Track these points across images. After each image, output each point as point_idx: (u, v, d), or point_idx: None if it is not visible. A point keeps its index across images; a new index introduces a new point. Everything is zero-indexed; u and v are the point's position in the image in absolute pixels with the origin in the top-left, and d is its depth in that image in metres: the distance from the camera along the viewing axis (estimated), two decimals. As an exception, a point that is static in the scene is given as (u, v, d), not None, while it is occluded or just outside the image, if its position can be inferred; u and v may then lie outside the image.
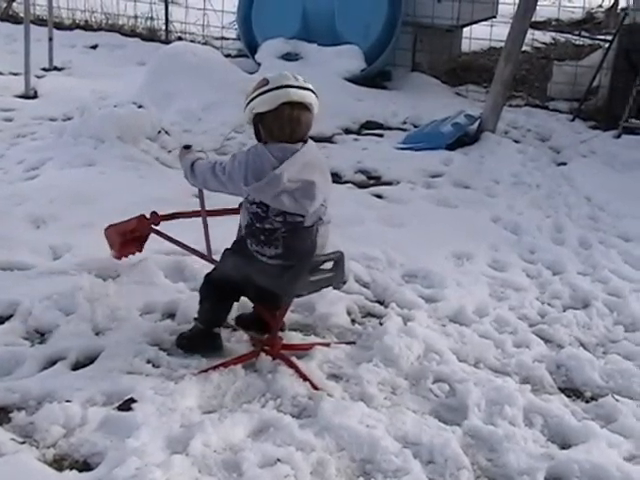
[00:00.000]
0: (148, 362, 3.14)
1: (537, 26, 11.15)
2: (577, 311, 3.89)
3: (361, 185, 5.53)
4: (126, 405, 2.83)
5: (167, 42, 9.17)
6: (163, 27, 10.17)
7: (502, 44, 6.89)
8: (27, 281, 3.74)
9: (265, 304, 3.26)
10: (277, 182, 2.90)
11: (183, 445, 2.63)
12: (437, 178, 5.70)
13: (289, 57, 8.06)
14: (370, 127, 6.96)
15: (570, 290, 4.12)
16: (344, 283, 3.82)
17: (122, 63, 8.82)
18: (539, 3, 6.87)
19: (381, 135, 6.76)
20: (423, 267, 4.19)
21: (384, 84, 8.30)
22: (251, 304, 3.39)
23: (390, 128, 6.96)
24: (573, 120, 7.39)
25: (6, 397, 2.87)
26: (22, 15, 7.89)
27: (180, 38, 9.86)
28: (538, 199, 5.41)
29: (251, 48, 8.45)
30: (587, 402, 3.17)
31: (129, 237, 3.82)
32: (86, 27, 10.36)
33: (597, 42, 10.58)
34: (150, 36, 10.10)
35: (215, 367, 3.10)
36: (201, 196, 3.50)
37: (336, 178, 5.60)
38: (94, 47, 9.62)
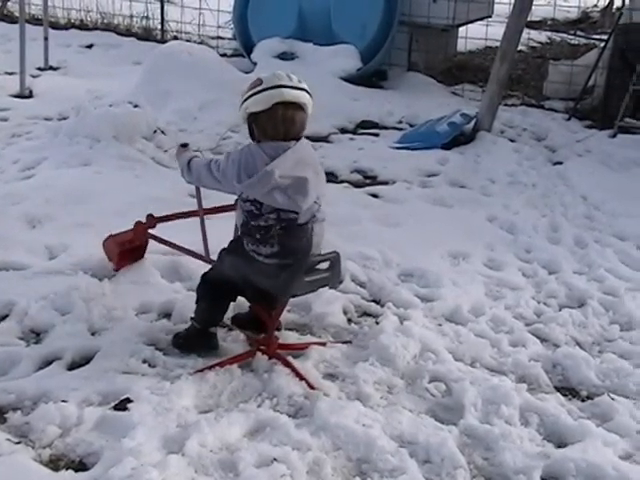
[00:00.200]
0: (144, 362, 3.13)
1: (533, 25, 11.18)
2: (573, 310, 3.90)
3: (357, 185, 5.53)
4: (122, 405, 2.83)
5: (163, 41, 9.16)
6: (159, 26, 10.17)
7: (498, 43, 6.91)
8: (23, 281, 3.74)
9: (261, 304, 3.26)
10: (268, 178, 2.90)
11: (179, 445, 2.63)
12: (433, 177, 5.71)
13: (285, 56, 8.06)
14: (366, 126, 6.96)
15: (566, 289, 4.12)
16: (340, 283, 3.82)
17: (118, 62, 8.81)
18: (535, 3, 6.88)
19: (377, 134, 6.76)
20: (419, 266, 4.20)
21: (380, 83, 8.31)
22: (247, 304, 3.39)
23: (386, 127, 6.97)
24: (569, 119, 7.40)
25: (1, 397, 2.86)
26: (17, 14, 7.87)
27: (176, 37, 9.86)
28: (534, 198, 5.42)
29: (247, 47, 8.45)
30: (583, 401, 3.18)
31: (128, 247, 3.82)
32: (81, 26, 10.35)
33: (593, 41, 10.63)
34: (146, 35, 10.10)
35: (211, 367, 3.10)
36: (198, 196, 3.50)
37: (332, 178, 5.61)
38: (89, 46, 9.62)
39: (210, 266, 3.36)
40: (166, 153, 5.51)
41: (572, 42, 11.30)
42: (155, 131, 5.73)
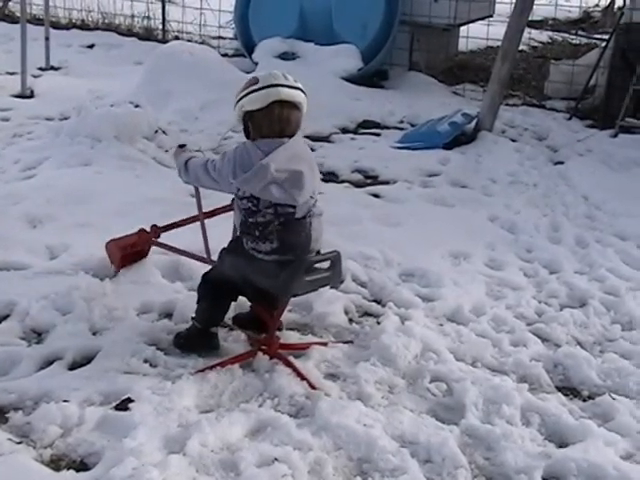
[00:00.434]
0: (145, 362, 3.13)
1: (534, 25, 11.17)
2: (574, 310, 3.89)
3: (358, 184, 5.53)
4: (123, 405, 2.83)
5: (164, 41, 9.17)
6: (160, 26, 10.17)
7: (499, 43, 6.91)
8: (24, 281, 3.74)
9: (263, 303, 3.26)
10: (264, 172, 2.91)
11: (180, 445, 2.63)
12: (434, 177, 5.70)
13: (286, 56, 8.06)
14: (367, 126, 6.96)
15: (567, 289, 4.12)
16: (341, 282, 3.82)
17: (119, 62, 8.81)
18: (536, 2, 6.88)
19: (378, 134, 6.76)
20: (420, 266, 4.20)
21: (381, 83, 8.31)
22: (248, 303, 3.39)
23: (387, 127, 6.97)
24: (570, 119, 7.40)
25: (3, 397, 2.86)
26: (18, 14, 7.88)
27: (177, 37, 9.87)
28: (535, 198, 5.42)
29: (248, 47, 8.45)
30: (584, 401, 3.18)
31: (130, 251, 3.82)
32: (83, 26, 10.36)
33: (594, 41, 10.62)
34: (147, 35, 10.10)
35: (212, 367, 3.10)
36: (198, 197, 3.51)
37: (333, 177, 5.62)
38: (91, 46, 9.62)
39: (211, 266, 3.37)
40: (167, 153, 5.51)
41: (573, 42, 11.30)
42: (156, 131, 5.73)
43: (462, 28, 9.32)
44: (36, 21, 9.44)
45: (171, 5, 10.70)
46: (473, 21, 9.00)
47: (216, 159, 3.16)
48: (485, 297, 3.98)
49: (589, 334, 3.70)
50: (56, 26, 9.71)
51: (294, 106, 3.02)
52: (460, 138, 6.44)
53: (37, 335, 3.34)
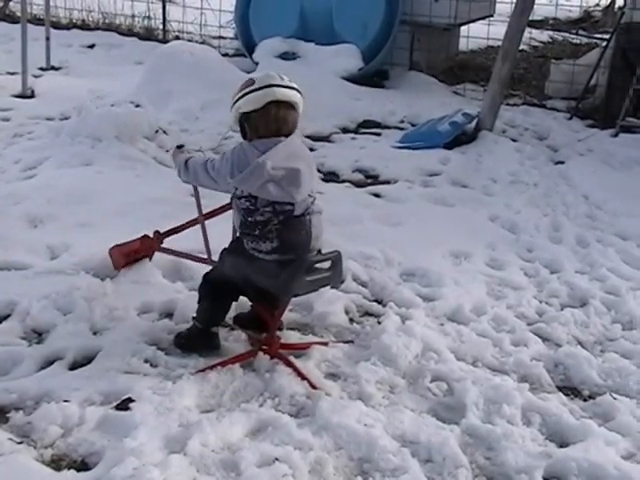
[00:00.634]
0: (146, 362, 3.13)
1: (534, 25, 11.18)
2: (575, 309, 3.89)
3: (359, 184, 5.53)
4: (124, 405, 2.83)
5: (164, 41, 9.18)
6: (160, 26, 10.18)
7: (499, 43, 6.91)
8: (24, 281, 3.74)
9: (263, 303, 3.26)
10: (261, 170, 2.92)
11: (181, 445, 2.63)
12: (435, 177, 5.70)
13: (286, 56, 8.06)
14: (368, 126, 6.96)
15: (568, 289, 4.12)
16: (342, 282, 3.82)
17: (119, 62, 8.81)
18: (536, 2, 6.87)
19: (379, 134, 6.76)
20: (421, 266, 4.20)
21: (382, 83, 8.31)
22: (249, 303, 3.39)
23: (388, 127, 6.97)
24: (570, 119, 7.40)
25: (3, 397, 2.86)
26: (19, 14, 7.88)
27: (177, 37, 9.87)
28: (536, 198, 5.41)
29: (249, 47, 8.45)
30: (585, 400, 3.18)
31: (133, 257, 3.83)
32: (83, 26, 10.37)
33: (594, 41, 10.62)
34: (147, 35, 10.10)
35: (213, 366, 3.10)
36: (197, 198, 3.51)
37: (334, 177, 5.62)
38: (91, 46, 9.63)
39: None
40: (168, 153, 5.50)
41: (574, 41, 11.29)
42: (157, 131, 5.73)
43: (463, 28, 9.32)
44: (37, 21, 9.45)
45: (172, 5, 10.70)
46: (474, 21, 9.00)
47: (216, 159, 3.17)
48: (486, 297, 3.97)
49: (590, 334, 3.70)
50: (57, 26, 9.71)
51: (290, 106, 3.03)
52: (461, 138, 6.44)
53: (38, 335, 3.34)
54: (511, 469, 2.68)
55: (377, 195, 5.30)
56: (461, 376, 3.16)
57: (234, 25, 9.10)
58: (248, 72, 7.33)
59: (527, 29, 7.31)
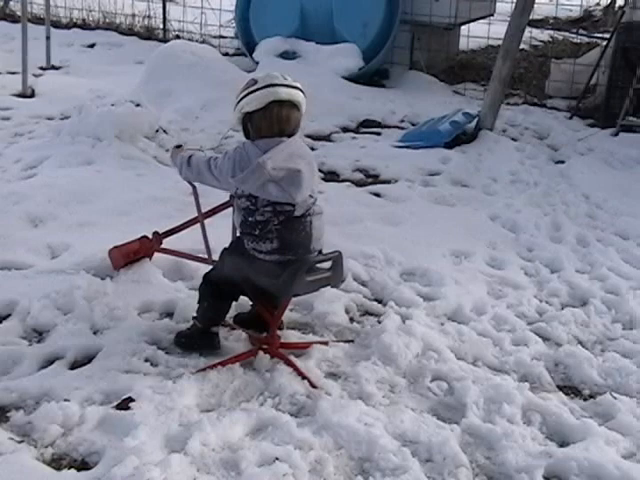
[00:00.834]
0: (146, 361, 3.13)
1: (535, 24, 11.18)
2: (575, 309, 3.89)
3: (359, 183, 5.53)
4: (124, 404, 2.83)
5: (165, 41, 9.17)
6: (161, 25, 10.18)
7: (500, 42, 6.90)
8: (25, 280, 3.74)
9: (264, 303, 3.26)
10: (261, 170, 2.92)
11: (181, 444, 2.63)
12: (435, 176, 5.70)
13: (287, 55, 8.07)
14: (368, 125, 6.96)
15: (568, 288, 4.12)
16: (342, 282, 3.81)
17: (120, 62, 8.82)
18: (537, 1, 6.87)
19: (379, 133, 6.76)
20: (421, 265, 4.19)
21: (382, 82, 8.32)
22: (249, 303, 3.39)
23: (388, 126, 6.97)
24: (571, 118, 7.40)
25: (4, 396, 2.86)
26: (19, 14, 7.88)
27: (178, 37, 9.87)
28: (536, 197, 5.41)
29: (249, 46, 8.45)
30: (585, 400, 3.17)
31: (132, 258, 3.83)
32: (83, 26, 10.37)
33: (595, 40, 10.62)
34: (148, 35, 10.11)
35: (213, 366, 3.10)
36: (196, 198, 3.51)
37: (334, 176, 5.62)
38: (91, 46, 9.64)
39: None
40: (168, 152, 5.51)
41: (574, 41, 11.29)
42: (157, 130, 5.73)
43: (463, 27, 9.32)
44: (37, 20, 9.45)
45: (172, 4, 10.70)
46: (474, 20, 9.00)
47: (219, 157, 3.17)
48: (486, 296, 3.97)
49: (590, 333, 3.70)
50: (57, 25, 9.73)
51: (293, 106, 3.02)
52: (461, 137, 6.44)
53: (38, 334, 3.34)
54: (511, 468, 2.67)
55: (377, 194, 5.30)
56: (461, 375, 3.16)
57: (234, 24, 9.10)
58: (248, 71, 7.35)
59: (527, 28, 7.30)
